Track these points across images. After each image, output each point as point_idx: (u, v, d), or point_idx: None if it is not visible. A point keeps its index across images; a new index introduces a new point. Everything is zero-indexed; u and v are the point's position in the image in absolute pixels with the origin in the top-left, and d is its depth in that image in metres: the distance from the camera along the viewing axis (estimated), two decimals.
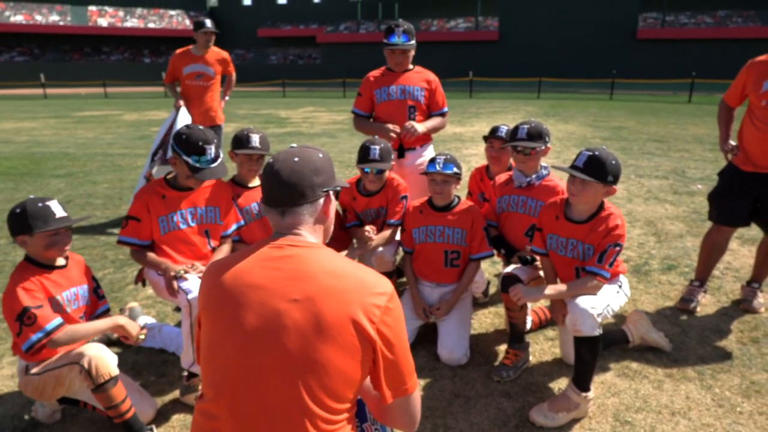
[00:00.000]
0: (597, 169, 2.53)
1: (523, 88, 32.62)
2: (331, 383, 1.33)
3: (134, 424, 2.39)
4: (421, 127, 3.75)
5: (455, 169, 3.09)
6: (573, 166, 2.59)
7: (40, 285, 2.34)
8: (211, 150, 2.79)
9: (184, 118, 5.60)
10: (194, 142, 2.74)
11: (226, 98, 6.38)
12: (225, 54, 6.10)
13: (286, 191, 1.47)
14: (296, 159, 1.49)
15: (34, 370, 2.33)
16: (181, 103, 5.72)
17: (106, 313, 2.71)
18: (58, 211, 2.36)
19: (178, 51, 5.87)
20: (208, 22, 5.80)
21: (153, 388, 2.88)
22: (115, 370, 2.30)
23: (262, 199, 1.54)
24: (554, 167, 2.67)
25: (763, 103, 3.36)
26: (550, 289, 2.70)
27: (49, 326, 2.25)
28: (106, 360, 2.28)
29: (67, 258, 2.54)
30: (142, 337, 2.51)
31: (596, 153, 2.54)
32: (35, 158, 10.18)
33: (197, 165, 2.76)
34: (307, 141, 12.62)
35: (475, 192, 3.89)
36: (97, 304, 2.67)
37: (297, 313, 1.34)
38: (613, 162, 2.55)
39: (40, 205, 2.32)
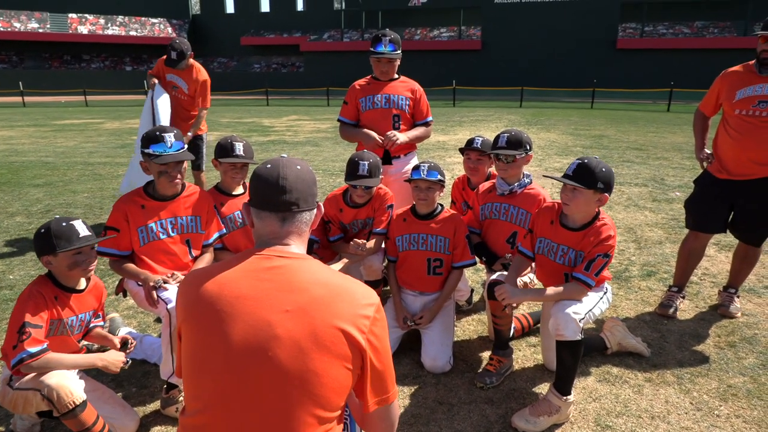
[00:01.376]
0: (586, 176, 2.57)
1: (505, 97, 32.99)
2: (324, 392, 1.34)
3: None
4: (402, 136, 3.78)
5: (439, 177, 3.12)
6: (564, 175, 2.64)
7: (51, 304, 2.33)
8: (170, 137, 2.77)
9: (159, 94, 5.41)
10: (152, 133, 2.77)
11: (189, 135, 5.76)
12: (205, 76, 5.77)
13: (293, 196, 1.47)
14: (298, 167, 1.51)
15: (15, 384, 2.29)
16: (155, 81, 5.53)
17: (95, 329, 2.68)
18: (82, 230, 2.34)
19: (164, 58, 5.78)
20: (173, 54, 5.48)
21: (134, 399, 2.85)
22: (80, 397, 2.22)
23: (257, 204, 1.50)
24: (546, 176, 2.73)
25: (737, 112, 3.44)
26: (535, 292, 2.73)
27: (33, 350, 2.21)
28: (68, 388, 2.19)
29: (89, 280, 2.52)
30: (128, 363, 2.49)
31: (586, 161, 2.60)
32: (13, 167, 10.01)
33: (159, 152, 2.74)
34: (291, 149, 12.60)
35: (458, 200, 3.92)
36: (92, 321, 2.63)
37: (290, 323, 1.34)
38: (603, 170, 2.59)
39: (64, 224, 2.31)
